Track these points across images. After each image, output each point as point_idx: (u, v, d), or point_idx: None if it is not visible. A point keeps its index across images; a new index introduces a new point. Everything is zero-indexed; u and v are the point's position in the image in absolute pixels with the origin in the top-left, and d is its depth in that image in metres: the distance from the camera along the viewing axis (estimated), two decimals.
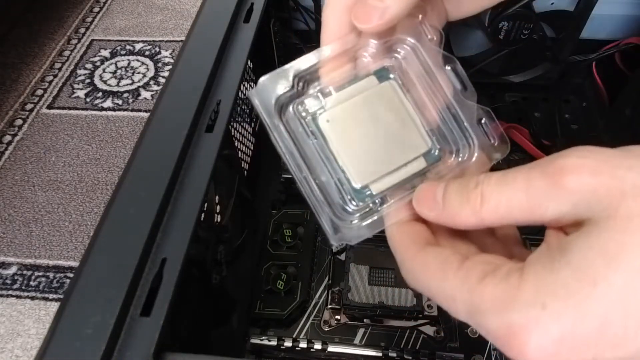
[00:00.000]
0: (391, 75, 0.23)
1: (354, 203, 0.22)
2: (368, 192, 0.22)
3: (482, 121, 0.22)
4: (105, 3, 1.30)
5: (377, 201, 0.22)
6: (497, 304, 0.16)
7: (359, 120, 0.22)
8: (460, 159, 0.23)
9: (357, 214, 0.22)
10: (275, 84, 0.22)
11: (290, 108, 0.22)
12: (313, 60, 0.22)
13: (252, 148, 0.50)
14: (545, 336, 0.15)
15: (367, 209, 0.22)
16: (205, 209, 0.33)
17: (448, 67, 0.22)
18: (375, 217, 0.22)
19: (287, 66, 0.22)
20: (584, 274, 0.15)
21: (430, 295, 0.19)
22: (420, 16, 0.22)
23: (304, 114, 0.23)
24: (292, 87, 0.22)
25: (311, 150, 0.22)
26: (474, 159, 0.22)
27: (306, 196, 0.22)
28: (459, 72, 0.22)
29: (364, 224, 0.22)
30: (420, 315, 0.42)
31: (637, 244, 0.15)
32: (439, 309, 0.42)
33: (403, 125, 0.22)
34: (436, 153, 0.23)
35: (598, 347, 0.15)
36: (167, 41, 1.19)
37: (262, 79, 0.22)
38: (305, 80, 0.23)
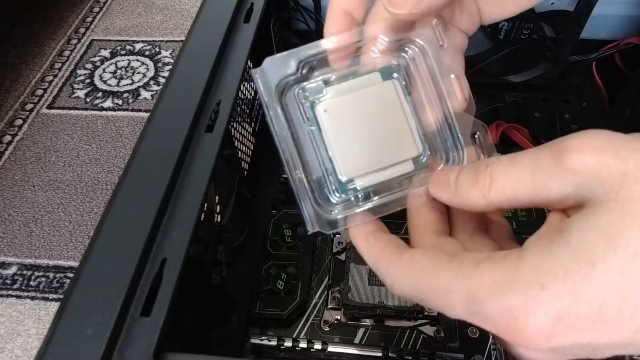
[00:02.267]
0: (395, 75, 0.23)
1: (337, 194, 0.23)
2: (352, 186, 0.23)
3: (476, 135, 0.22)
4: (105, 3, 1.31)
5: (360, 196, 0.23)
6: (496, 288, 0.16)
7: (356, 114, 0.22)
8: None
9: (338, 206, 0.23)
10: (279, 66, 0.22)
11: (291, 92, 0.22)
12: (321, 47, 0.22)
13: (252, 148, 0.50)
14: (543, 317, 0.15)
15: (349, 202, 0.23)
16: (205, 209, 0.33)
17: (453, 76, 0.22)
18: (356, 211, 0.22)
19: (294, 50, 0.22)
20: (583, 255, 0.15)
21: (422, 296, 0.18)
22: (434, 20, 0.22)
23: (303, 99, 0.23)
24: (297, 71, 0.22)
25: (305, 136, 0.22)
26: None
27: (291, 179, 0.22)
28: (463, 83, 0.22)
29: (343, 215, 0.22)
30: (420, 315, 0.42)
31: (636, 228, 0.15)
32: None
33: (398, 126, 0.23)
34: (425, 159, 0.23)
35: (594, 330, 0.15)
36: (167, 41, 1.19)
37: (267, 59, 0.22)
38: (311, 66, 0.22)
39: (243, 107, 0.47)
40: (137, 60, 1.15)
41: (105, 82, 1.10)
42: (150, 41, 1.19)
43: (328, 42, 0.22)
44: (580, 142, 0.16)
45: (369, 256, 0.21)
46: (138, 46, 1.18)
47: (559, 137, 0.17)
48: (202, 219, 0.32)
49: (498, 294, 0.16)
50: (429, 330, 0.42)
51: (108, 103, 1.05)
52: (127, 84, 1.09)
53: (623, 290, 0.14)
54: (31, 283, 0.79)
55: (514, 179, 0.17)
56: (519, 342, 0.16)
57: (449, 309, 0.18)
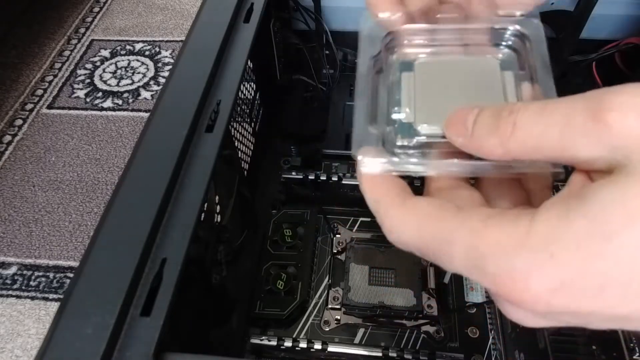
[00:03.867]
0: (514, 70, 0.22)
1: (398, 135, 0.21)
2: (413, 130, 0.20)
3: None
4: (105, 3, 1.31)
5: (414, 144, 0.20)
6: (501, 248, 0.15)
7: (455, 79, 0.21)
8: None
9: (397, 145, 0.20)
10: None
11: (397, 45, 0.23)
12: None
13: (252, 148, 0.50)
14: (546, 284, 0.15)
15: (401, 147, 0.20)
16: (205, 209, 0.33)
17: (547, 73, 0.21)
18: (396, 160, 0.20)
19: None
20: (600, 229, 0.14)
21: (421, 244, 0.17)
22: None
23: (409, 50, 0.22)
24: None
25: (387, 78, 0.22)
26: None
27: (356, 109, 0.21)
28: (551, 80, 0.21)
29: (385, 160, 0.19)
30: (420, 315, 0.42)
31: None
32: (439, 309, 0.42)
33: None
34: None
35: (595, 303, 0.14)
36: (167, 41, 1.19)
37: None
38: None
39: (243, 107, 0.47)
40: (137, 60, 1.15)
41: (105, 82, 1.10)
42: (150, 41, 1.19)
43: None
44: (624, 100, 0.14)
45: (370, 196, 0.19)
46: (138, 46, 1.18)
47: (599, 89, 0.15)
48: (202, 219, 0.32)
49: (502, 254, 0.15)
50: (429, 330, 0.42)
51: (108, 103, 1.05)
52: (127, 84, 1.09)
53: (634, 270, 0.14)
54: (31, 283, 0.79)
55: (540, 131, 0.15)
56: (515, 302, 0.15)
57: (446, 261, 0.17)
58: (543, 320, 0.16)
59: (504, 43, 0.22)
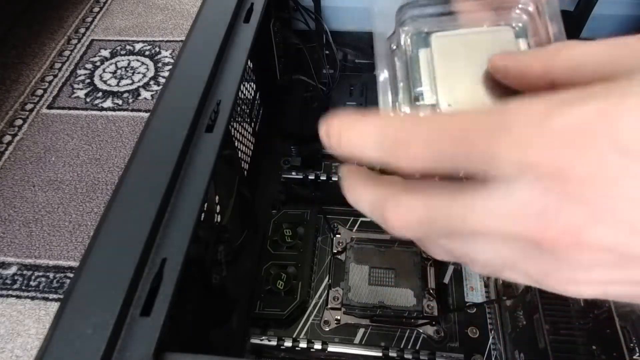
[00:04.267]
0: (526, 36, 0.22)
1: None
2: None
3: None
4: (105, 3, 1.31)
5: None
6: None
7: (472, 54, 0.21)
8: None
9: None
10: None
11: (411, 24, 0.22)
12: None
13: (252, 148, 0.50)
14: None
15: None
16: (205, 209, 0.33)
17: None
18: None
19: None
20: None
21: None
22: None
23: (421, 22, 0.22)
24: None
25: (406, 59, 0.22)
26: None
27: (380, 95, 0.21)
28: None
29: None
30: (420, 315, 0.42)
31: None
32: (439, 309, 0.42)
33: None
34: None
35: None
36: (167, 41, 1.19)
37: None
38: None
39: (243, 107, 0.47)
40: (137, 60, 1.15)
41: (105, 82, 1.10)
42: (150, 41, 1.19)
43: None
44: None
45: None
46: (138, 46, 1.18)
47: None
48: (202, 219, 0.32)
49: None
50: (429, 330, 0.42)
51: (108, 103, 1.05)
52: (127, 84, 1.09)
53: None
54: (31, 283, 0.79)
55: (586, 49, 0.16)
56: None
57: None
58: (583, 271, 0.14)
59: (520, 6, 0.22)
